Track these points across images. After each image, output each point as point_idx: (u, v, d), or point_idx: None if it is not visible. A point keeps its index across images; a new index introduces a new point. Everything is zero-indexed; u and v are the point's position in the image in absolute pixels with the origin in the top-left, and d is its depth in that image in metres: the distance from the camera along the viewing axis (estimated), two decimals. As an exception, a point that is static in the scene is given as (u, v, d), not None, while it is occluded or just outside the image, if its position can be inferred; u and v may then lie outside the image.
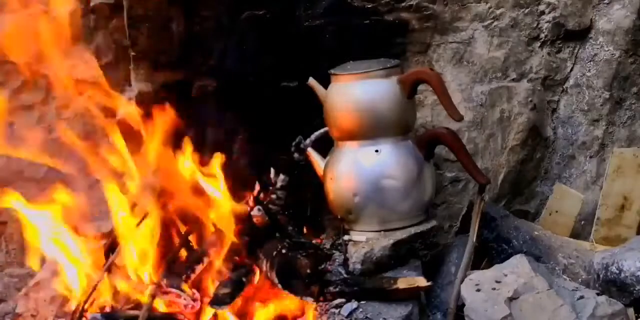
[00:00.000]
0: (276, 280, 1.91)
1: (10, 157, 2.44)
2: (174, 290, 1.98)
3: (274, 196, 2.18)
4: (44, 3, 2.35)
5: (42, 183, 2.44)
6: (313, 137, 2.17)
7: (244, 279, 1.98)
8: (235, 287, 1.95)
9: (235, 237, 2.05)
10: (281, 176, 2.19)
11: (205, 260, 2.07)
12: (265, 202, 2.15)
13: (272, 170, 2.23)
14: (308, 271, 1.87)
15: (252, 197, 2.23)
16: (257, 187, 2.26)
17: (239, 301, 1.95)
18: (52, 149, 2.46)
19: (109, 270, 2.06)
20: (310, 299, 1.88)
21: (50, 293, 2.05)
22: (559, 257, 2.23)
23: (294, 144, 2.19)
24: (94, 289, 2.02)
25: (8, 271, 2.54)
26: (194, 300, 1.96)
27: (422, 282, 1.93)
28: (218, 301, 1.91)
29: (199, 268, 2.06)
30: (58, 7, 2.29)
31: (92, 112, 2.42)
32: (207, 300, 1.97)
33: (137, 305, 1.99)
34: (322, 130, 2.18)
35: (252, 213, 2.09)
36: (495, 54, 2.47)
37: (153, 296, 1.91)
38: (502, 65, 2.48)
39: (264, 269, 1.97)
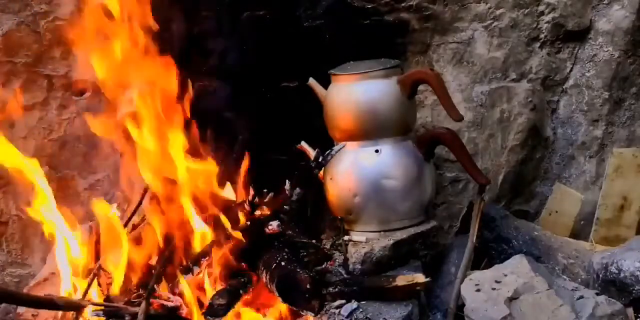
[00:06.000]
0: (277, 293, 1.91)
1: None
2: (164, 294, 1.99)
3: (287, 207, 2.18)
4: (46, 4, 2.35)
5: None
6: (333, 152, 2.15)
7: (241, 291, 1.97)
8: (230, 298, 1.94)
9: (235, 243, 2.06)
10: (297, 189, 2.20)
11: (203, 264, 2.06)
12: (278, 210, 2.17)
13: (288, 183, 2.23)
14: (308, 286, 1.87)
15: (247, 201, 2.24)
16: (251, 191, 2.26)
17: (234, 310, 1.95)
18: (52, 149, 2.47)
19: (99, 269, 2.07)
20: (311, 314, 1.88)
21: (51, 293, 2.05)
22: (558, 257, 2.24)
23: (312, 159, 2.19)
24: (92, 280, 2.02)
25: (9, 271, 2.54)
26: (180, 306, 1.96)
27: (420, 278, 1.94)
28: (212, 312, 1.90)
29: (195, 272, 2.05)
30: (59, 8, 2.29)
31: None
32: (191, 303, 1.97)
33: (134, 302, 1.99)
34: (340, 146, 2.16)
35: (270, 226, 2.09)
36: (495, 54, 2.47)
37: (148, 299, 1.91)
38: (502, 65, 2.48)
39: (264, 280, 1.97)
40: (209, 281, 2.01)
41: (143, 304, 1.88)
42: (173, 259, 2.07)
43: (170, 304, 1.96)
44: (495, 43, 2.47)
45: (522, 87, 2.50)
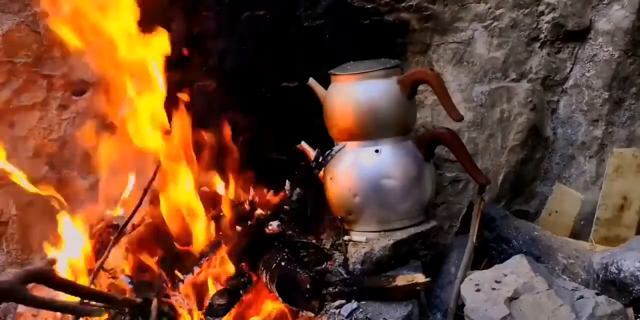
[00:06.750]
0: (277, 294, 1.91)
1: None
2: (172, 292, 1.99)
3: (286, 207, 2.19)
4: (46, 3, 2.34)
5: (42, 183, 2.43)
6: (333, 152, 2.16)
7: (241, 291, 1.97)
8: (230, 299, 1.94)
9: (234, 243, 2.06)
10: (297, 189, 2.20)
11: (204, 264, 2.06)
12: (278, 210, 2.16)
13: (288, 183, 2.23)
14: (308, 286, 1.87)
15: (247, 201, 2.24)
16: (252, 191, 2.26)
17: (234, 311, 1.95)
18: (52, 149, 2.47)
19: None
20: (311, 314, 1.88)
21: (52, 293, 2.05)
22: (558, 257, 2.24)
23: (312, 159, 2.19)
24: (92, 280, 2.02)
25: (9, 271, 2.54)
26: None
27: (420, 278, 1.94)
28: (212, 313, 1.91)
29: (196, 271, 2.06)
30: (59, 8, 2.29)
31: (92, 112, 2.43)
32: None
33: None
34: (340, 146, 2.16)
35: (270, 226, 2.09)
36: (495, 54, 2.47)
37: (159, 295, 1.91)
38: (502, 65, 2.48)
39: (264, 280, 1.97)
40: (209, 281, 2.02)
41: (155, 301, 1.89)
42: (174, 258, 2.07)
43: (175, 301, 1.97)
44: (495, 43, 2.47)
45: (522, 87, 2.50)
